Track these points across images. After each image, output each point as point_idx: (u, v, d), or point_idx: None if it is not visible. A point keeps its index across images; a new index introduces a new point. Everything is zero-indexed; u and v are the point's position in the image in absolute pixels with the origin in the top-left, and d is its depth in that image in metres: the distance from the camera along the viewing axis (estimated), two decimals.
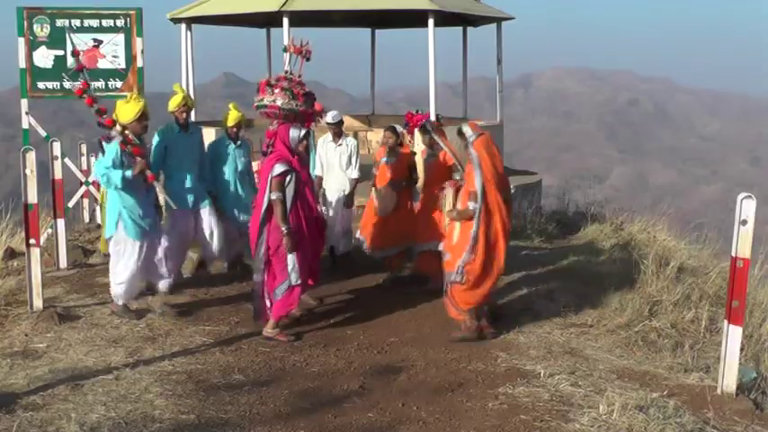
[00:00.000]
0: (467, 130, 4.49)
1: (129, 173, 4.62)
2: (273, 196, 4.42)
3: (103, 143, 5.07)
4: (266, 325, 4.61)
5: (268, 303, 4.61)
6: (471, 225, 4.36)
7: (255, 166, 5.79)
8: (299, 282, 4.56)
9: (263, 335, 4.58)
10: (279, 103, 4.51)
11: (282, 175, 4.43)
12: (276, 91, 4.51)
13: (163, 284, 5.19)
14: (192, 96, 8.92)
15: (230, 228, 5.74)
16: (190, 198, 5.38)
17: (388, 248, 5.77)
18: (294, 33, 7.97)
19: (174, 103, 5.32)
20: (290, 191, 4.47)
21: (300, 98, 4.58)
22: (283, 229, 4.43)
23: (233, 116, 5.64)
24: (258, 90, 4.62)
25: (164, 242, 5.09)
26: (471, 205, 4.35)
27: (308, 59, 4.76)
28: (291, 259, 4.50)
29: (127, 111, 4.71)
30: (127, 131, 4.69)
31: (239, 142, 5.71)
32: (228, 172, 5.64)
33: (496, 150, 4.45)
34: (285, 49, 4.83)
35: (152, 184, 4.77)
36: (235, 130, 5.66)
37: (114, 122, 4.71)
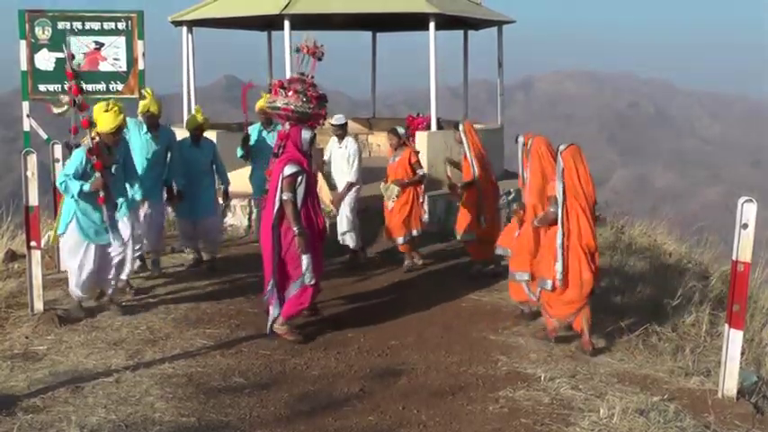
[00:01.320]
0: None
1: (86, 186, 4.64)
2: (285, 197, 4.44)
3: (73, 148, 5.10)
4: (276, 321, 4.60)
5: (275, 309, 4.58)
6: (556, 235, 4.41)
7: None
8: (313, 282, 4.58)
9: (271, 329, 4.57)
10: (292, 105, 4.49)
11: (293, 176, 4.46)
12: (290, 93, 4.49)
13: (111, 291, 5.10)
14: (192, 100, 8.95)
15: (187, 224, 6.22)
16: (138, 195, 5.54)
17: (394, 238, 6.37)
18: (295, 36, 8.01)
19: (140, 106, 5.80)
20: (300, 191, 4.49)
21: (313, 101, 4.56)
22: (295, 229, 4.45)
23: (196, 120, 6.13)
24: (270, 91, 4.62)
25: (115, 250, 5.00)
26: (552, 209, 4.42)
27: (319, 59, 4.70)
28: (306, 259, 4.51)
29: (105, 120, 4.70)
30: (97, 140, 4.67)
31: (199, 144, 6.17)
32: (186, 172, 5.99)
33: (585, 163, 4.50)
34: (298, 50, 4.76)
35: (108, 199, 4.74)
36: (197, 133, 6.14)
37: (90, 123, 4.68)
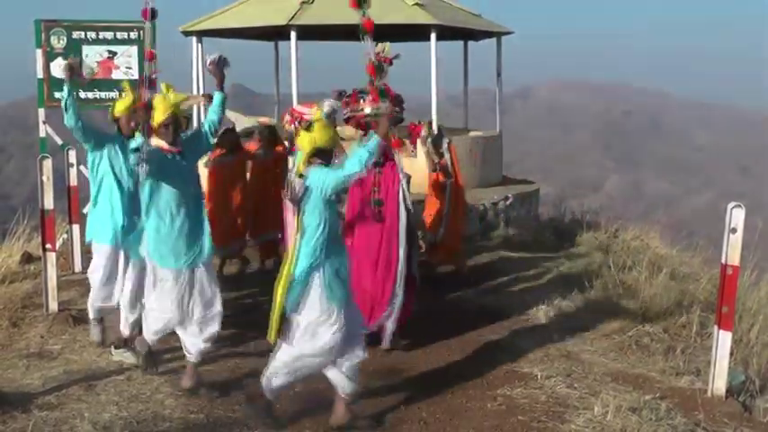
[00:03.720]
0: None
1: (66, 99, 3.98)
2: (410, 206, 4.48)
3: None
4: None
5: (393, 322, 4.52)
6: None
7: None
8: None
9: (388, 346, 4.55)
10: (393, 112, 4.48)
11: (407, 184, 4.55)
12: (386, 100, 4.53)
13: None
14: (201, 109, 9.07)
15: None
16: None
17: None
18: (301, 46, 8.19)
19: None
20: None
21: (401, 108, 4.67)
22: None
23: None
24: (359, 100, 4.62)
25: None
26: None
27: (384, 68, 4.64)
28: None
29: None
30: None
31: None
32: None
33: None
34: (377, 62, 4.66)
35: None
36: None
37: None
